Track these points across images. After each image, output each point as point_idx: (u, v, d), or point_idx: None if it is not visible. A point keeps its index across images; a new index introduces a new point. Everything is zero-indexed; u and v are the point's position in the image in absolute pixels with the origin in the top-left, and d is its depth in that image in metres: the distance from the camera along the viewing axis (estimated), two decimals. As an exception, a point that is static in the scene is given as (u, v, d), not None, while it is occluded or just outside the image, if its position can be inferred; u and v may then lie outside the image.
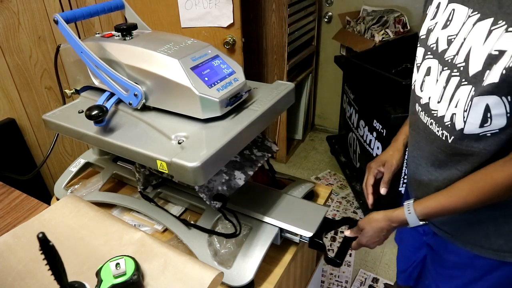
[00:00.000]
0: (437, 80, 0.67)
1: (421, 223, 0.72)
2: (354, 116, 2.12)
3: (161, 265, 0.64)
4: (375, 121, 1.82)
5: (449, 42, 0.64)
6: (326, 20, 2.58)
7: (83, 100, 0.87)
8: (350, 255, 1.88)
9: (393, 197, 1.90)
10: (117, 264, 0.61)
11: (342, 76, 2.34)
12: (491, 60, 0.56)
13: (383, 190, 0.87)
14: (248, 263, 0.73)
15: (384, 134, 1.75)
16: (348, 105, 2.22)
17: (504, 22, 0.54)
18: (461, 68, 0.60)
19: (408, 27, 2.16)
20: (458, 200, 0.67)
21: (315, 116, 3.00)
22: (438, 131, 0.68)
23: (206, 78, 0.70)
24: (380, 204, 2.21)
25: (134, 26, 0.80)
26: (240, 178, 0.80)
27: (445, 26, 0.65)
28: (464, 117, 0.61)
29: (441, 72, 0.65)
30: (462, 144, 0.64)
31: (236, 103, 0.73)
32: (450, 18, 0.64)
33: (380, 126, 1.77)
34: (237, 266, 0.73)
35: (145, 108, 0.77)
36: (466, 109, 0.60)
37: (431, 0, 0.72)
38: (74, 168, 1.04)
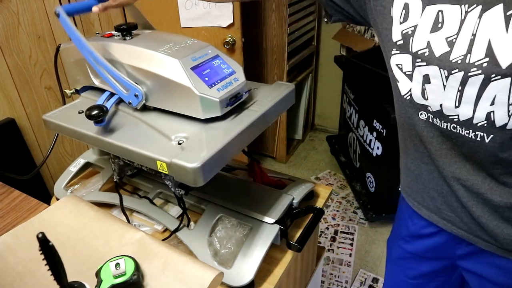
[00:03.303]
0: (444, 86, 0.62)
1: None
2: (354, 116, 2.12)
3: (161, 265, 0.64)
4: (375, 121, 1.82)
5: (451, 44, 0.59)
6: (326, 20, 2.58)
7: (83, 100, 0.87)
8: (350, 255, 1.88)
9: (394, 197, 1.90)
10: (117, 264, 0.60)
11: (342, 76, 2.34)
12: None
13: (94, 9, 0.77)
14: (248, 263, 0.72)
15: (384, 134, 1.75)
16: (348, 105, 2.22)
17: None
18: (484, 65, 0.56)
19: (408, 27, 2.16)
20: None
21: (315, 116, 3.00)
22: (468, 133, 0.62)
23: (207, 78, 0.70)
24: (380, 204, 2.20)
25: (134, 26, 0.80)
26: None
27: (435, 29, 0.61)
28: (509, 111, 0.56)
29: (447, 77, 0.61)
30: (504, 144, 0.60)
31: (236, 103, 0.73)
32: (440, 20, 0.60)
33: (380, 126, 1.77)
34: (237, 266, 0.73)
35: (145, 108, 0.77)
36: None
37: (388, 1, 0.66)
38: (74, 168, 1.04)
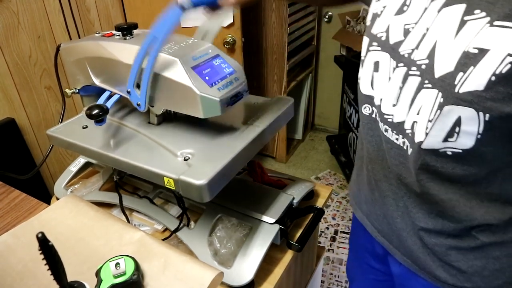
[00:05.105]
0: (389, 78, 0.54)
1: None
2: (354, 116, 2.12)
3: (161, 265, 0.63)
4: (375, 121, 1.82)
5: (406, 32, 0.51)
6: (326, 19, 2.58)
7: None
8: (350, 255, 1.88)
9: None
10: (117, 264, 0.60)
11: (342, 76, 2.34)
12: (467, 60, 0.42)
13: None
14: (248, 263, 0.72)
15: (384, 134, 1.75)
16: (348, 105, 2.22)
17: (484, 13, 0.41)
18: (423, 67, 0.48)
19: (408, 27, 2.16)
20: None
21: (315, 116, 3.00)
22: (397, 138, 0.55)
23: (207, 78, 0.69)
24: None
25: (135, 26, 0.80)
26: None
27: (400, 12, 0.52)
28: (427, 128, 0.48)
29: (394, 69, 0.53)
30: (418, 166, 0.52)
31: (236, 102, 0.73)
32: (407, 2, 0.51)
33: (380, 126, 1.77)
34: (237, 266, 0.73)
35: (149, 123, 0.79)
36: (432, 119, 0.47)
37: None
38: (74, 167, 1.03)
